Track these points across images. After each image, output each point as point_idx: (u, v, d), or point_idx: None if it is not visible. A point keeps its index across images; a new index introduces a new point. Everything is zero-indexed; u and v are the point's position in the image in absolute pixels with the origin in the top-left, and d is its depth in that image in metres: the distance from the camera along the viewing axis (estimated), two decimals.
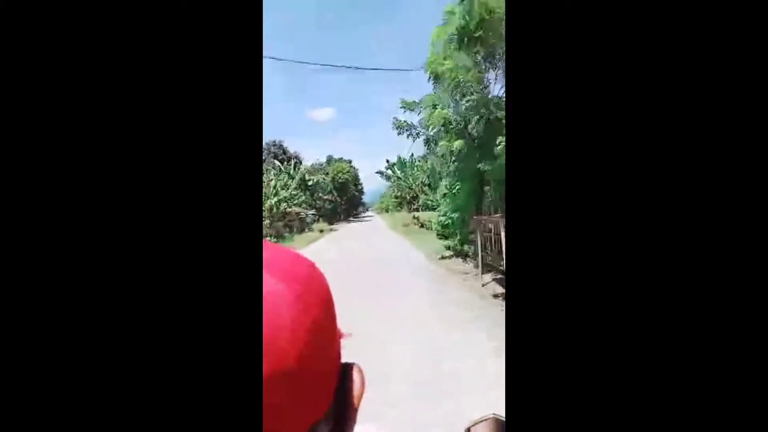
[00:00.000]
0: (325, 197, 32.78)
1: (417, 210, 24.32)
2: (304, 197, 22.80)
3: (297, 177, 22.75)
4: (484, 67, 6.71)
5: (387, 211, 35.47)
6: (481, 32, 5.88)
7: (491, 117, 6.20)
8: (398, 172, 31.58)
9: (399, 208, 30.49)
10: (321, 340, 0.24)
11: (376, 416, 2.24)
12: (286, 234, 17.57)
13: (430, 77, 7.12)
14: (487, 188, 7.50)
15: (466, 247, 8.41)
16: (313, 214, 27.93)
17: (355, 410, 0.28)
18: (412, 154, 33.03)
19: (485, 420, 0.43)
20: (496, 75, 6.76)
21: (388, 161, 34.40)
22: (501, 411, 0.36)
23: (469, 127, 6.75)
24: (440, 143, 7.46)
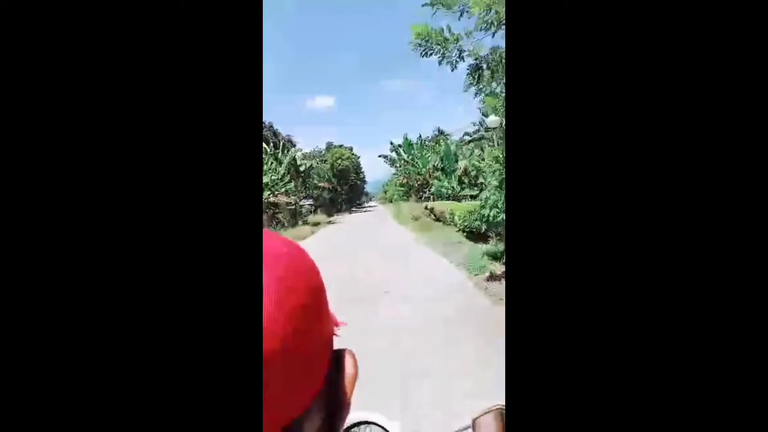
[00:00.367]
0: (321, 184, 29.23)
1: (428, 199, 20.46)
2: (293, 184, 19.13)
3: (286, 161, 19.05)
4: None
5: (391, 201, 31.51)
6: None
7: None
8: (404, 155, 27.36)
9: (405, 198, 26.49)
10: (306, 322, 0.24)
11: None
12: (271, 229, 14.05)
13: None
14: None
15: None
16: (310, 204, 24.47)
17: (348, 395, 0.29)
18: (420, 135, 29.01)
19: (491, 411, 0.45)
20: None
21: (392, 143, 30.19)
22: None
23: None
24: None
